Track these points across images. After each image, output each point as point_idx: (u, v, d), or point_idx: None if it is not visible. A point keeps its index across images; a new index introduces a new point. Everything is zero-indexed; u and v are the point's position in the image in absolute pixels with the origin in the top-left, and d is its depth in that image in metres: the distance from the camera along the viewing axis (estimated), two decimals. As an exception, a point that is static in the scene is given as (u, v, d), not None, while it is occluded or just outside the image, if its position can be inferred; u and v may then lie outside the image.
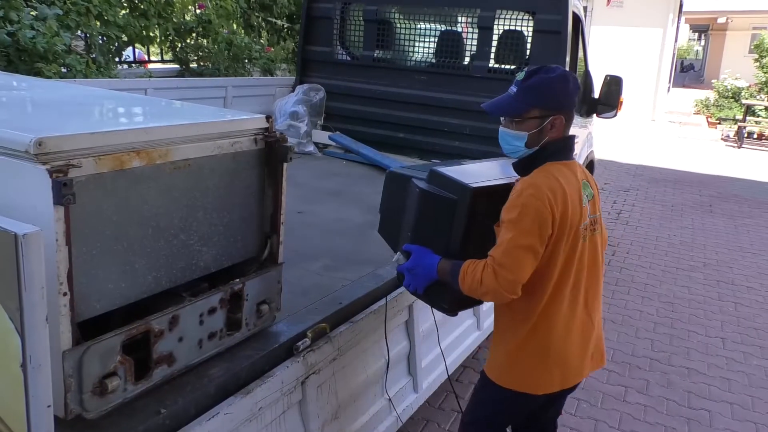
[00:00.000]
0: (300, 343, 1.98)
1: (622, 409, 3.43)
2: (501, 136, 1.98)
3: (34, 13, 4.16)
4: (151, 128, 1.54)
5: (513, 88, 1.93)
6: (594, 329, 2.06)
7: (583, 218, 1.92)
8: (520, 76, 1.92)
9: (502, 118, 1.98)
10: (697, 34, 38.26)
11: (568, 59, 4.36)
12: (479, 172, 2.24)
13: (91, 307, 1.42)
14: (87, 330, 1.44)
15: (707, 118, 15.86)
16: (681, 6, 17.23)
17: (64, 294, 1.31)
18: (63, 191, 1.24)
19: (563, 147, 1.94)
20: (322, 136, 5.18)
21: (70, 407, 1.37)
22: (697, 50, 38.31)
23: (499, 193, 1.97)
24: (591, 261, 2.00)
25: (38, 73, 3.93)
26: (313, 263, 2.72)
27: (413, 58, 5.18)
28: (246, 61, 6.26)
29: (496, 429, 2.17)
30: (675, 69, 21.46)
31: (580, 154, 5.53)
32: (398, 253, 2.14)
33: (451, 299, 2.08)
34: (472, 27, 4.83)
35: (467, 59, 4.88)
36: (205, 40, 6.07)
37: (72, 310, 1.34)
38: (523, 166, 1.95)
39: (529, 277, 1.84)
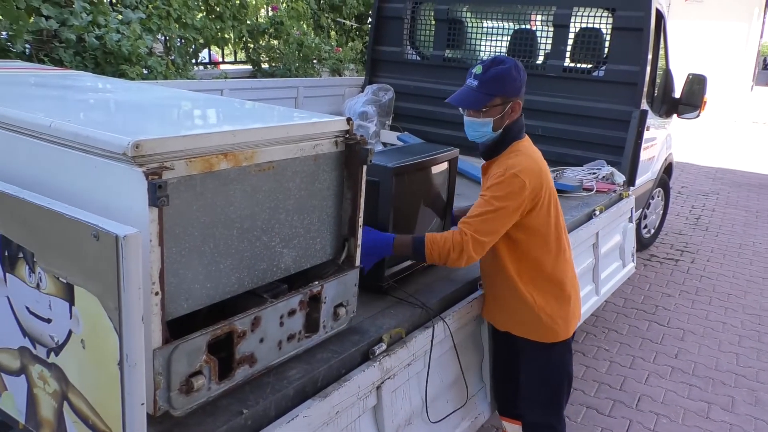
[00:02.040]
0: (376, 347, 1.97)
1: (706, 426, 3.25)
2: (467, 124, 2.22)
3: (119, 17, 4.35)
4: (238, 131, 1.55)
5: (473, 82, 2.13)
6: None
7: (550, 179, 2.22)
8: (478, 70, 2.13)
9: (462, 110, 2.21)
10: (783, 29, 36.01)
11: (650, 58, 4.18)
12: (409, 151, 2.50)
13: (179, 306, 1.45)
14: (171, 329, 1.47)
15: (794, 118, 14.92)
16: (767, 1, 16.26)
17: (156, 293, 1.34)
18: (158, 193, 1.27)
19: (521, 126, 2.23)
20: (390, 137, 5.17)
21: (159, 404, 1.40)
22: (783, 46, 36.08)
23: (423, 170, 2.39)
24: (558, 206, 2.31)
25: (122, 75, 4.10)
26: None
27: (484, 58, 5.09)
28: (315, 61, 6.34)
29: (570, 382, 2.45)
30: (759, 66, 20.29)
31: (657, 156, 5.30)
32: None
33: (386, 275, 2.28)
34: (547, 25, 4.70)
35: (541, 58, 4.76)
36: (276, 41, 6.18)
37: (162, 309, 1.36)
38: (491, 150, 2.24)
39: (540, 239, 2.20)
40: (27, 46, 3.97)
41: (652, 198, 5.56)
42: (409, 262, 2.42)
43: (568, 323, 2.31)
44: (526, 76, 2.19)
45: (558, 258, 2.26)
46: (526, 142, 2.24)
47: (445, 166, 2.59)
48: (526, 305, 2.25)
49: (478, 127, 2.19)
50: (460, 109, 2.24)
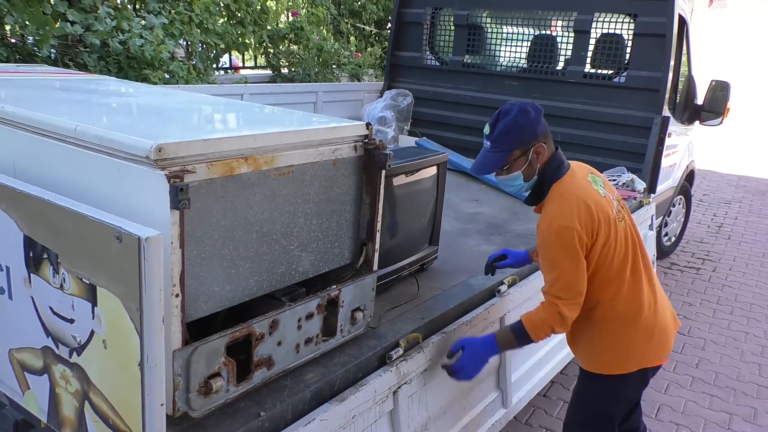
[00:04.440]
0: (393, 352, 1.96)
1: (727, 438, 3.19)
2: (500, 183, 2.17)
3: (142, 22, 4.41)
4: (259, 135, 1.57)
5: (486, 143, 2.07)
6: (659, 293, 2.21)
7: (611, 207, 2.06)
8: (486, 130, 2.06)
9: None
10: (808, 34, 35.43)
11: (672, 64, 4.13)
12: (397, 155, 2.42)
13: (199, 308, 1.46)
14: (191, 331, 1.48)
15: (820, 125, 14.62)
16: (792, 5, 16.00)
17: (176, 295, 1.35)
18: (180, 196, 1.28)
19: (557, 164, 2.08)
20: (408, 142, 5.17)
21: (178, 405, 1.42)
22: (808, 52, 35.48)
23: (409, 174, 2.39)
24: (634, 234, 2.14)
25: (145, 79, 4.16)
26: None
27: (503, 63, 5.09)
28: (335, 66, 6.37)
29: (610, 423, 2.24)
30: (783, 72, 19.93)
31: (679, 163, 5.24)
32: (444, 357, 2.16)
33: None
34: (568, 30, 4.68)
35: (561, 64, 4.73)
36: (296, 47, 6.23)
37: (182, 311, 1.38)
38: (534, 198, 2.13)
39: (600, 275, 2.03)
40: (53, 50, 4.04)
41: (673, 205, 5.49)
42: (397, 266, 2.41)
43: (624, 359, 2.12)
44: (541, 112, 2.07)
45: (621, 292, 2.08)
46: (568, 178, 2.07)
47: (433, 170, 2.58)
48: (582, 330, 2.16)
49: (511, 183, 2.11)
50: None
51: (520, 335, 2.06)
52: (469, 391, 2.39)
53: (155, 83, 4.16)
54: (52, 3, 3.97)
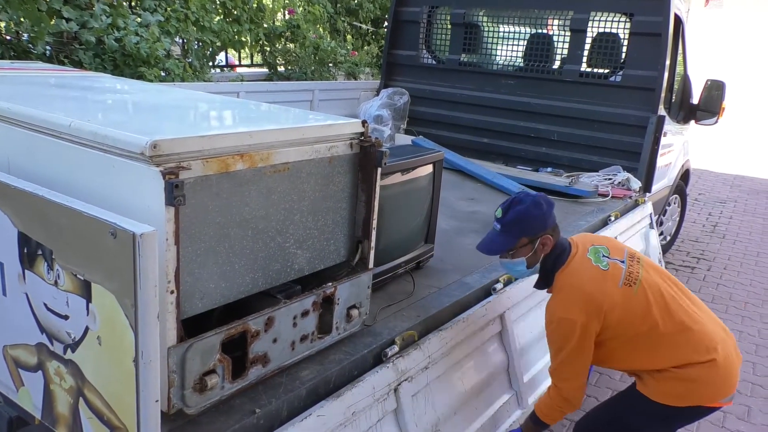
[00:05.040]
0: (388, 349, 1.97)
1: (721, 436, 3.21)
2: (503, 265, 2.26)
3: (138, 20, 4.40)
4: (255, 132, 1.57)
5: (497, 225, 2.15)
6: (715, 327, 2.13)
7: (616, 278, 2.07)
8: (498, 213, 2.14)
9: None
10: (803, 35, 35.59)
11: (667, 63, 4.14)
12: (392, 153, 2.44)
13: (194, 305, 1.46)
14: (186, 328, 1.48)
15: (815, 125, 14.68)
16: (788, 5, 16.06)
17: (171, 292, 1.35)
18: (174, 192, 1.28)
19: (559, 252, 2.16)
20: (405, 140, 5.17)
21: (173, 402, 1.42)
22: (803, 52, 35.62)
23: (405, 172, 2.41)
24: (658, 282, 2.10)
25: (141, 77, 4.15)
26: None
27: (500, 62, 5.09)
28: (331, 64, 6.37)
29: None
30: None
31: (674, 163, 5.25)
32: None
33: None
34: (564, 29, 4.68)
35: (557, 63, 4.74)
36: (293, 45, 6.22)
37: (178, 308, 1.38)
38: (543, 284, 2.22)
39: (629, 345, 2.08)
40: (48, 47, 4.03)
41: (669, 204, 5.51)
42: (393, 264, 2.42)
43: (684, 395, 2.08)
44: (552, 206, 2.16)
45: (658, 350, 2.06)
46: (569, 267, 2.13)
47: (429, 169, 2.58)
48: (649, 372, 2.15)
49: (514, 267, 2.20)
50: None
51: (536, 422, 2.20)
52: (480, 392, 2.38)
53: (151, 81, 4.15)
54: (48, 0, 3.96)
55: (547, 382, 2.76)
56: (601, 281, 2.06)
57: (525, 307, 2.70)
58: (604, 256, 2.13)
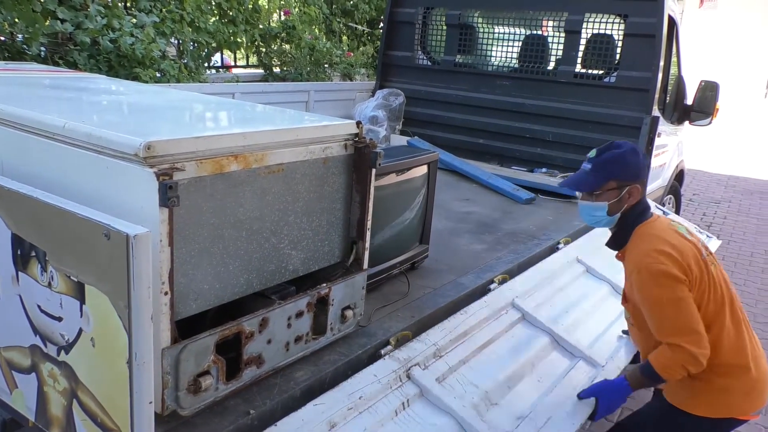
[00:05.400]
0: (383, 350, 1.97)
1: (715, 436, 3.21)
2: (582, 209, 2.18)
3: (133, 20, 4.39)
4: (249, 133, 1.57)
5: (587, 165, 2.11)
6: (757, 341, 2.15)
7: (698, 250, 2.04)
8: (592, 153, 2.11)
9: (578, 194, 2.18)
10: (797, 36, 35.83)
11: (662, 64, 4.16)
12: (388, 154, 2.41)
13: (188, 306, 1.46)
14: (180, 329, 1.48)
15: (809, 126, 14.76)
16: (782, 6, 16.15)
17: (165, 293, 1.35)
18: (168, 193, 1.28)
19: (642, 209, 2.12)
20: (400, 141, 5.18)
21: (167, 404, 1.41)
22: (797, 53, 35.85)
23: (400, 173, 2.42)
24: (727, 281, 2.11)
25: (136, 78, 4.14)
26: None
27: (495, 63, 5.10)
28: (327, 66, 6.37)
29: None
30: (772, 74, 20.10)
31: (669, 163, 5.27)
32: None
33: None
34: (559, 31, 4.70)
35: (552, 64, 4.75)
36: (288, 46, 6.22)
37: (172, 309, 1.38)
38: (616, 242, 2.16)
39: (709, 317, 1.98)
40: (42, 48, 4.02)
41: (663, 205, 5.52)
42: (387, 264, 2.41)
43: (718, 405, 2.07)
44: (647, 160, 2.08)
45: (722, 339, 2.01)
46: (652, 222, 2.10)
47: (423, 169, 2.59)
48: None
49: (592, 211, 2.13)
50: (577, 194, 2.22)
51: (651, 377, 2.02)
52: (534, 366, 2.32)
53: (146, 82, 4.14)
54: (42, 1, 3.95)
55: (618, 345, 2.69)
56: (683, 242, 2.01)
57: (543, 293, 2.71)
58: (685, 232, 2.10)
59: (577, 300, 2.84)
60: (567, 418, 2.10)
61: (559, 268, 2.95)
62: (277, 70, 6.17)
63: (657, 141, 4.53)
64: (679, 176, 5.80)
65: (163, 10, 4.78)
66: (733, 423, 2.11)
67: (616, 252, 2.20)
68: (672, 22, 4.42)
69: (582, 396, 2.14)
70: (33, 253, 1.38)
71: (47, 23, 3.95)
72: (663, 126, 4.63)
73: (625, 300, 2.22)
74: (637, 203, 2.10)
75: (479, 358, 2.20)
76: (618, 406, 2.13)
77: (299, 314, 1.76)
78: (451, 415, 1.89)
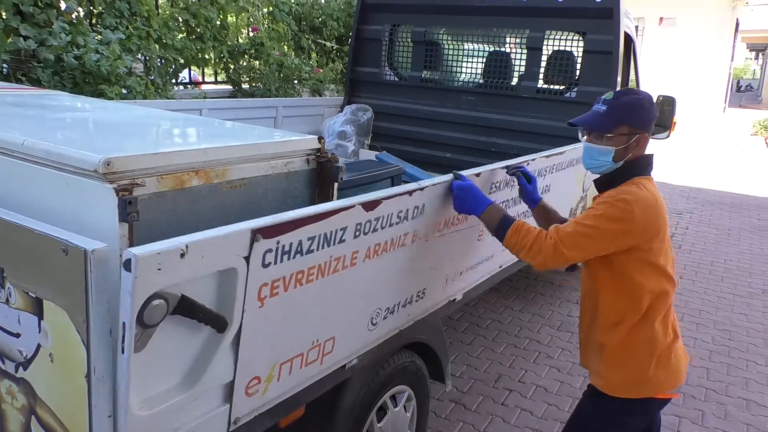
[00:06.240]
0: None
1: (676, 440, 3.30)
2: (586, 151, 2.08)
3: (99, 37, 4.38)
4: (209, 148, 1.60)
5: (601, 107, 2.02)
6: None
7: (669, 228, 2.05)
8: (609, 95, 2.03)
9: (583, 135, 2.10)
10: (754, 53, 37.13)
11: (619, 80, 4.30)
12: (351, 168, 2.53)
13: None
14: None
15: (766, 139, 15.29)
16: (737, 25, 16.77)
17: (125, 308, 1.36)
18: (128, 209, 1.30)
19: (647, 162, 2.07)
20: (369, 155, 5.23)
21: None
22: (755, 70, 37.14)
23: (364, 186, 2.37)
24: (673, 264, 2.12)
25: (101, 95, 4.12)
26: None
27: (461, 79, 5.20)
28: (296, 82, 6.41)
29: None
30: (731, 89, 20.82)
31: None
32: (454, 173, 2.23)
33: None
34: (521, 48, 4.82)
35: (515, 80, 4.87)
36: (257, 62, 6.25)
37: (132, 324, 1.38)
38: (609, 181, 2.06)
39: (651, 282, 1.98)
40: (4, 65, 3.98)
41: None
42: None
43: (638, 383, 2.06)
44: (658, 113, 2.06)
45: (647, 315, 2.02)
46: (651, 182, 2.03)
47: (387, 183, 2.66)
48: (611, 345, 2.09)
49: (598, 155, 2.03)
50: (580, 134, 2.13)
51: (503, 223, 2.04)
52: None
53: (112, 98, 4.12)
54: (4, 17, 3.92)
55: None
56: (664, 209, 2.00)
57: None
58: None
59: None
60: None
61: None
62: (245, 86, 6.18)
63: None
64: (641, 188, 5.96)
65: (130, 26, 4.77)
66: (654, 403, 2.12)
67: (597, 195, 2.11)
68: (628, 39, 4.58)
69: (457, 178, 2.18)
70: (-9, 270, 1.38)
71: (10, 40, 3.91)
72: (623, 139, 4.76)
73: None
74: (642, 156, 2.05)
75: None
76: (467, 206, 2.14)
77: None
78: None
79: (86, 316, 1.16)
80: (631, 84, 4.90)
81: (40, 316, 1.27)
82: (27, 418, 1.37)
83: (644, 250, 1.95)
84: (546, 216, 2.40)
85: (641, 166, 2.04)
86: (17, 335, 1.35)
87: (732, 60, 18.30)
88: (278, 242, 1.45)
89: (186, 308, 1.27)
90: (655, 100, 5.02)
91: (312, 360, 1.75)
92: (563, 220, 2.30)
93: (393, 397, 2.39)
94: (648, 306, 2.01)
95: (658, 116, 1.99)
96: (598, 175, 2.11)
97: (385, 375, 2.25)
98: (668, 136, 5.19)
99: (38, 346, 1.30)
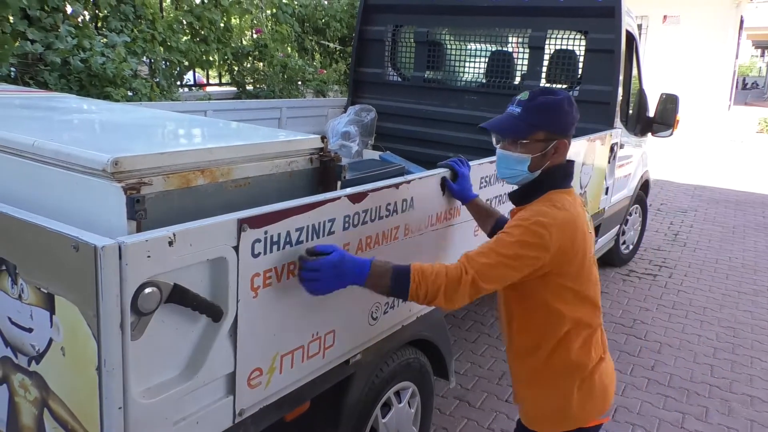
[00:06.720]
0: None
1: (680, 436, 3.32)
2: (500, 159, 1.87)
3: (104, 40, 4.43)
4: (214, 148, 1.63)
5: (515, 109, 1.80)
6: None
7: (592, 245, 1.85)
8: (524, 96, 1.81)
9: (497, 141, 1.89)
10: (760, 50, 37.02)
11: (621, 78, 4.32)
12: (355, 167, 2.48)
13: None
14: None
15: (771, 136, 15.26)
16: (742, 22, 16.73)
17: (134, 303, 1.39)
18: (136, 207, 1.34)
19: (566, 173, 1.87)
20: (372, 156, 5.26)
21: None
22: (761, 67, 37.03)
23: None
24: (599, 284, 1.93)
25: (107, 97, 4.17)
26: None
27: (463, 79, 5.23)
28: (299, 83, 6.45)
29: None
30: (736, 86, 20.75)
31: (634, 174, 5.44)
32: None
33: None
34: (523, 47, 4.85)
35: (518, 79, 4.89)
36: (261, 64, 6.29)
37: (140, 319, 1.42)
38: (523, 194, 1.88)
39: (569, 308, 1.80)
40: (12, 69, 4.03)
41: (630, 214, 5.68)
42: None
43: (563, 416, 1.90)
44: (579, 116, 1.84)
45: (564, 340, 1.84)
46: (570, 195, 1.84)
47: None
48: (516, 373, 1.97)
49: (513, 164, 1.82)
50: (494, 140, 1.90)
51: (397, 275, 1.65)
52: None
53: (118, 100, 4.17)
54: (11, 22, 3.97)
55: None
56: (587, 232, 1.81)
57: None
58: (589, 221, 1.89)
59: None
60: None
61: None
62: (250, 87, 6.23)
63: (621, 152, 4.70)
64: (645, 186, 5.97)
65: (135, 30, 4.82)
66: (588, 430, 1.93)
67: (513, 208, 1.94)
68: (630, 38, 4.60)
69: (317, 249, 1.63)
70: (3, 267, 1.41)
71: (17, 44, 3.96)
72: (627, 138, 4.79)
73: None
74: (562, 165, 1.84)
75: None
76: (340, 283, 1.63)
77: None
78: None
79: (96, 310, 1.20)
80: (634, 81, 4.92)
81: (52, 311, 1.31)
82: (40, 410, 1.40)
83: (561, 275, 1.76)
84: (480, 214, 2.28)
85: (561, 177, 1.84)
86: (30, 330, 1.38)
87: (737, 57, 18.25)
88: (266, 232, 1.49)
89: (179, 297, 1.31)
90: (658, 98, 5.11)
91: (314, 353, 1.78)
92: (502, 219, 2.17)
93: (397, 394, 2.42)
94: (566, 331, 1.82)
95: (579, 118, 1.83)
96: (514, 187, 1.91)
97: (389, 371, 2.28)
98: (671, 133, 5.21)
99: (50, 341, 1.33)
